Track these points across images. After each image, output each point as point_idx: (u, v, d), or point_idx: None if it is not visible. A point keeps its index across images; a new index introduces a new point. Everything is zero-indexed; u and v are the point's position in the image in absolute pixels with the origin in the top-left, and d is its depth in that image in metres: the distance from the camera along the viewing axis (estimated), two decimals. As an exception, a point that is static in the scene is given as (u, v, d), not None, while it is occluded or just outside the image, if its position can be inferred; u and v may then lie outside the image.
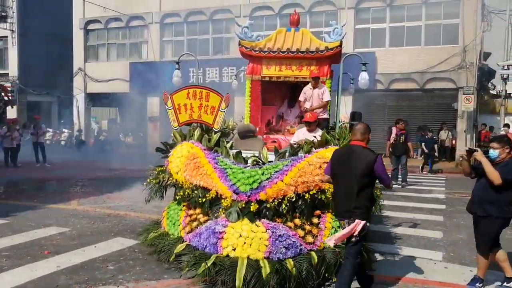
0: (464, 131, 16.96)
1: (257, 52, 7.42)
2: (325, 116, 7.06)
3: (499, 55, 17.70)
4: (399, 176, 11.70)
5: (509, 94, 17.31)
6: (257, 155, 5.00)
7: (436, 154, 15.85)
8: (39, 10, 23.47)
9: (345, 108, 16.77)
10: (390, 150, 11.99)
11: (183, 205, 5.20)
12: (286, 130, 8.16)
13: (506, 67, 16.37)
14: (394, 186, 11.60)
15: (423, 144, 15.25)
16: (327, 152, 4.91)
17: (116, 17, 21.92)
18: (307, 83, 7.57)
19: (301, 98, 7.16)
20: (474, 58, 16.53)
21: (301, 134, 6.25)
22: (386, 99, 18.87)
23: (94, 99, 23.59)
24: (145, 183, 5.62)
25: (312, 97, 7.02)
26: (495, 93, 19.15)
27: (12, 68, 24.38)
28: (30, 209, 7.98)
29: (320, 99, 6.89)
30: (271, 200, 4.51)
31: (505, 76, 16.43)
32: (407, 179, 11.82)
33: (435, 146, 15.54)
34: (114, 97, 21.44)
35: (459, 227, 7.37)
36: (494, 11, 17.48)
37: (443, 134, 17.95)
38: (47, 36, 23.78)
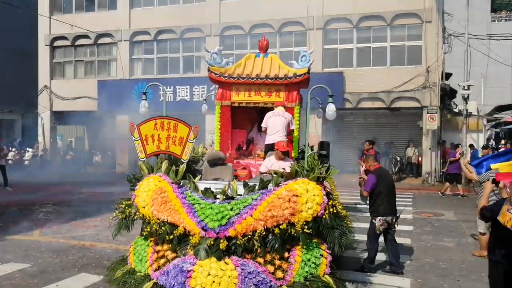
0: (429, 148, 17.51)
1: (227, 78, 7.43)
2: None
3: (460, 74, 18.47)
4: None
5: (470, 112, 18.02)
6: (226, 189, 4.93)
7: None
8: (2, 25, 22.77)
9: (315, 127, 17.08)
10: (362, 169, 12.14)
11: (150, 241, 5.06)
12: (256, 155, 8.17)
13: (466, 88, 17.07)
14: (362, 206, 11.78)
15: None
16: (296, 185, 4.92)
17: (84, 34, 21.53)
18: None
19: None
20: (437, 79, 17.20)
21: (270, 162, 6.25)
22: (355, 117, 19.30)
23: (60, 117, 22.93)
24: (111, 217, 5.44)
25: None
26: (457, 111, 19.92)
27: (-27, 85, 23.46)
28: (-12, 242, 7.58)
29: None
30: (240, 237, 4.45)
31: (465, 96, 17.13)
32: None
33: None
34: (82, 115, 20.93)
35: (426, 250, 7.53)
36: (454, 34, 18.28)
37: (410, 151, 18.49)
38: (11, 52, 23.08)
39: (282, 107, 7.10)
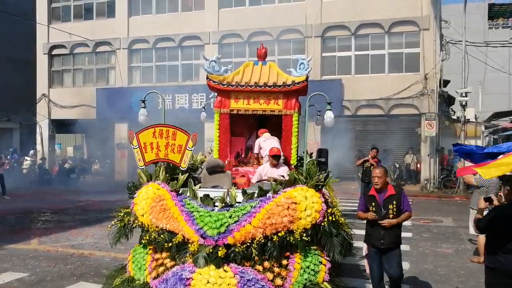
0: (428, 155, 17.54)
1: (225, 86, 7.44)
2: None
3: (457, 81, 18.57)
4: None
5: (468, 119, 18.09)
6: (225, 196, 4.94)
7: None
8: (0, 33, 22.84)
9: (314, 134, 17.11)
10: (360, 175, 12.14)
11: (149, 249, 5.04)
12: (255, 163, 8.18)
13: (464, 94, 17.16)
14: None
15: None
16: (295, 192, 4.93)
17: (82, 42, 21.62)
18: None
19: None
20: (435, 86, 17.28)
21: (264, 170, 6.25)
22: (354, 124, 19.33)
23: (58, 125, 22.93)
24: (110, 226, 5.43)
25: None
26: (456, 118, 19.99)
27: (-29, 93, 23.45)
28: (-14, 251, 7.55)
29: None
30: (239, 244, 4.45)
31: (463, 103, 17.20)
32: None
33: None
34: (80, 123, 20.95)
35: (425, 256, 7.52)
36: (452, 41, 18.41)
37: (408, 158, 18.52)
38: (9, 60, 23.13)
39: (267, 133, 7.21)
